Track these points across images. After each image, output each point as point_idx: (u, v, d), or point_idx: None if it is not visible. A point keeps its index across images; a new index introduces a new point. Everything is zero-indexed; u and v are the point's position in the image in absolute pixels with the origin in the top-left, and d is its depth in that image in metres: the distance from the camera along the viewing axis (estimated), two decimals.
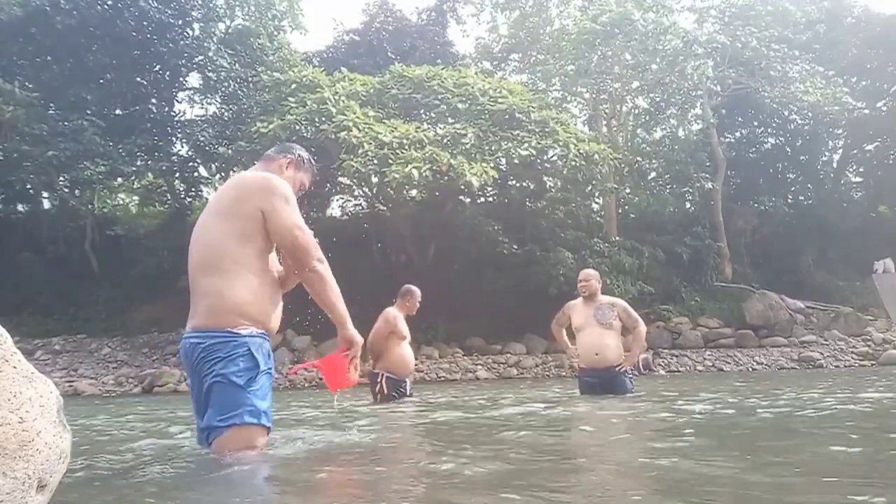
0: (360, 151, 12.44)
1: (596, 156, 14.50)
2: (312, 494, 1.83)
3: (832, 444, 2.46)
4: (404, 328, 5.52)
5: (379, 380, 5.36)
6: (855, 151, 24.36)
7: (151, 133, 16.91)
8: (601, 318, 5.44)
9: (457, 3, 23.36)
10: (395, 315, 5.47)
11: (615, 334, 5.46)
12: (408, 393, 5.54)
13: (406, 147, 12.58)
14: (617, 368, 5.39)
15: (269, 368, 2.43)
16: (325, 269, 2.46)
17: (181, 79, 18.92)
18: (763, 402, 4.53)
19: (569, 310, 5.69)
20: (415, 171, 11.90)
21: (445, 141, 13.17)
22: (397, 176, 11.96)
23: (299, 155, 2.77)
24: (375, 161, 12.44)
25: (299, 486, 1.92)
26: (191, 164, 18.52)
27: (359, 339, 2.56)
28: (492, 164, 13.26)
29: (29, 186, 17.28)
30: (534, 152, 13.55)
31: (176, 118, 18.59)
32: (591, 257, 15.24)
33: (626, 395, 5.35)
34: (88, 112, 15.71)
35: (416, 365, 13.67)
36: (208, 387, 2.34)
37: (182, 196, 19.01)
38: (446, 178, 12.87)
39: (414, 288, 5.71)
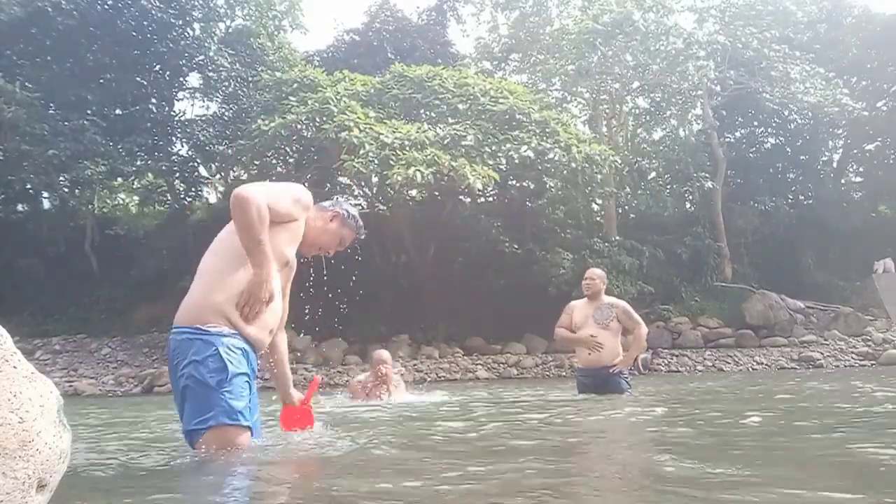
0: (360, 152, 12.43)
1: (597, 157, 14.49)
2: (308, 494, 1.83)
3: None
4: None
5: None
6: (855, 151, 24.35)
7: (151, 133, 16.91)
8: (599, 317, 5.43)
9: (457, 3, 23.34)
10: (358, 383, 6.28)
11: (612, 335, 5.44)
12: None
13: (407, 148, 12.57)
14: (610, 370, 5.38)
15: (245, 372, 2.36)
16: (243, 197, 2.31)
17: (181, 78, 18.91)
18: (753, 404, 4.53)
19: (570, 309, 5.66)
20: (417, 174, 11.89)
21: (446, 142, 13.17)
22: (399, 178, 11.96)
23: (347, 211, 2.85)
24: (376, 162, 12.44)
25: (299, 485, 1.93)
26: (191, 163, 18.52)
27: (261, 282, 2.36)
28: (492, 167, 13.25)
29: (29, 186, 17.27)
30: (532, 155, 13.52)
31: (176, 118, 18.58)
32: (591, 257, 15.23)
33: (621, 394, 5.34)
34: (89, 112, 15.71)
35: (414, 364, 13.71)
36: (182, 388, 2.33)
37: (182, 196, 18.99)
38: (447, 178, 12.86)
39: (376, 353, 6.32)
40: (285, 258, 2.58)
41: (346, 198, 3.00)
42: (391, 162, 12.24)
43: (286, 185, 2.62)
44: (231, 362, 2.30)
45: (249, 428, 2.36)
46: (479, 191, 14.25)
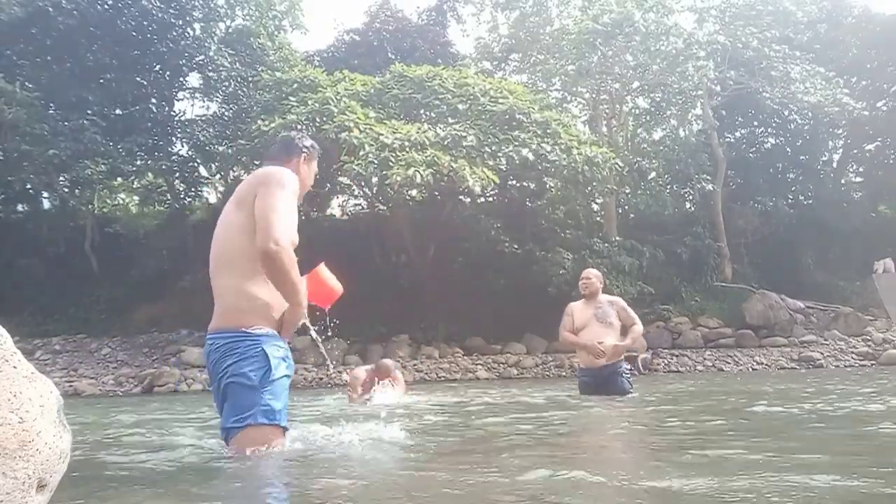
0: (360, 153, 12.42)
1: (598, 159, 14.49)
2: (311, 494, 1.83)
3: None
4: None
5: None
6: (855, 151, 24.36)
7: (151, 132, 16.91)
8: (601, 316, 5.44)
9: (457, 3, 23.36)
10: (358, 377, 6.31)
11: (615, 333, 5.44)
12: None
13: (407, 149, 12.56)
14: (612, 361, 5.38)
15: (287, 374, 2.42)
16: (278, 252, 2.30)
17: (181, 78, 18.92)
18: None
19: (570, 311, 5.66)
20: (418, 176, 11.89)
21: (446, 142, 13.16)
22: (399, 179, 11.96)
23: (304, 146, 2.78)
24: (376, 163, 12.43)
25: (297, 485, 1.93)
26: (191, 163, 18.53)
27: (300, 314, 2.48)
28: (493, 167, 13.25)
29: (29, 186, 17.27)
30: (531, 157, 13.51)
31: (176, 118, 18.58)
32: (591, 257, 15.23)
33: (623, 395, 5.34)
34: (89, 112, 15.70)
35: (414, 364, 13.66)
36: (224, 387, 2.37)
37: (182, 196, 19.01)
38: (446, 178, 12.86)
39: (382, 364, 6.41)
40: (294, 242, 2.60)
41: (299, 135, 2.90)
42: (390, 163, 12.24)
43: (285, 189, 2.47)
44: (272, 363, 2.35)
45: (285, 429, 2.40)
46: (478, 191, 14.25)
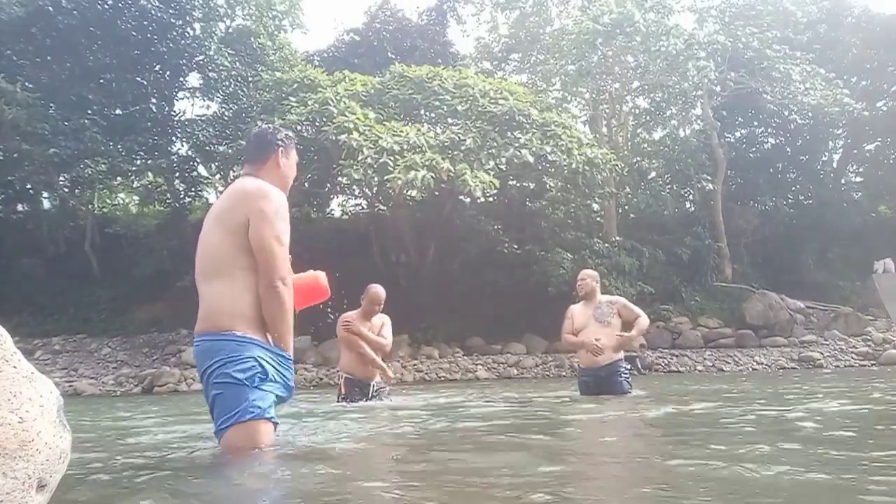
0: (360, 157, 12.39)
1: (598, 160, 14.47)
2: (308, 493, 1.83)
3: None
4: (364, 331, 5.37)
5: (337, 380, 5.66)
6: (855, 151, 24.35)
7: (151, 132, 16.92)
8: (599, 316, 5.45)
9: (457, 3, 23.37)
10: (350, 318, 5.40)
11: (613, 332, 5.45)
12: (373, 395, 5.37)
13: (406, 152, 12.54)
14: (611, 361, 5.38)
15: (272, 381, 2.41)
16: (284, 291, 2.40)
17: (181, 78, 18.93)
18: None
19: (570, 314, 5.67)
20: (418, 180, 11.90)
21: (446, 145, 13.15)
22: (400, 183, 11.97)
23: (280, 140, 2.69)
24: (375, 167, 12.41)
25: (291, 484, 1.93)
26: (191, 163, 18.53)
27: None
28: (492, 169, 13.23)
29: (29, 186, 17.28)
30: (530, 159, 13.50)
31: (176, 117, 18.59)
32: (591, 258, 15.24)
33: (623, 395, 5.34)
34: (89, 112, 15.72)
35: (414, 364, 13.59)
36: (212, 388, 2.39)
37: (182, 196, 19.00)
38: (447, 181, 12.85)
39: (371, 287, 5.44)
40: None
41: (271, 128, 2.78)
42: (389, 168, 12.23)
43: (278, 216, 2.45)
44: (260, 368, 2.37)
45: (275, 424, 2.41)
46: (479, 195, 14.26)
